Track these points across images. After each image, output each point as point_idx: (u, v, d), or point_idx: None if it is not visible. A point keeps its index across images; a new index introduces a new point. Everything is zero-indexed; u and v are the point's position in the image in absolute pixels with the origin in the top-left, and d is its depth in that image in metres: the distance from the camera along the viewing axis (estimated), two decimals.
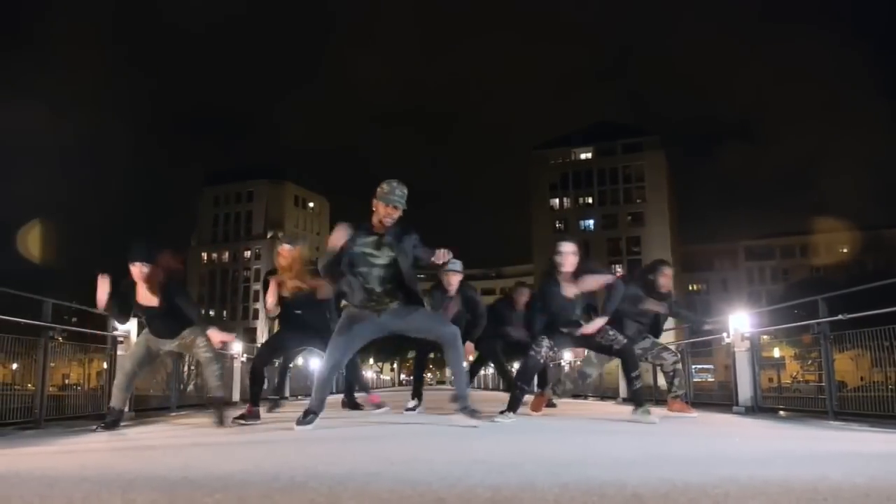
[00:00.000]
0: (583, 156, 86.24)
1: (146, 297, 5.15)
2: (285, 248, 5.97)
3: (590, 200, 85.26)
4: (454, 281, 6.93)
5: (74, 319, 7.71)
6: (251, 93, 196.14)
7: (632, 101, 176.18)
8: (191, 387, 9.60)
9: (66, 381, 7.88)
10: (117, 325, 6.60)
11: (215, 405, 5.30)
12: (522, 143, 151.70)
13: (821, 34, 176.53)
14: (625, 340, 5.56)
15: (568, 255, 5.57)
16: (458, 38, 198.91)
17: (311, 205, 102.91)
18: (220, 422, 5.17)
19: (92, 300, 5.16)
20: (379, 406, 6.97)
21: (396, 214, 4.55)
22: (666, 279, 6.34)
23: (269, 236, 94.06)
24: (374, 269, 4.61)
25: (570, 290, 5.57)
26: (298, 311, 5.91)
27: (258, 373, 6.08)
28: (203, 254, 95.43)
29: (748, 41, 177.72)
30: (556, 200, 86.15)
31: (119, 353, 6.63)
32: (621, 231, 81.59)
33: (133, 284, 5.15)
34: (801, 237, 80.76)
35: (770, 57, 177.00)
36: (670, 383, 6.34)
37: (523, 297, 7.75)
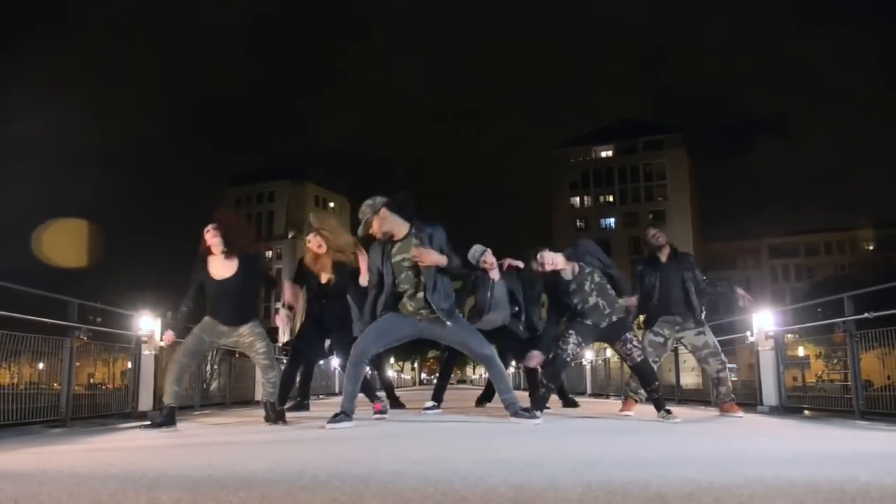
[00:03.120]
0: (604, 154, 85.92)
1: (218, 268, 5.06)
2: (313, 238, 5.97)
3: (611, 199, 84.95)
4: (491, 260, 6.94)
5: (99, 319, 7.79)
6: (275, 92, 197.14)
7: (663, 98, 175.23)
8: (213, 386, 9.68)
9: (92, 381, 7.97)
10: (140, 325, 6.67)
11: (270, 409, 5.23)
12: (547, 141, 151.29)
13: (855, 28, 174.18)
14: (642, 357, 5.46)
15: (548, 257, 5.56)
16: (492, 37, 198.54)
17: (332, 205, 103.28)
18: (277, 420, 5.15)
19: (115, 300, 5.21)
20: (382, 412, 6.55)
21: (373, 223, 4.77)
22: (656, 240, 6.38)
23: (290, 236, 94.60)
24: (403, 273, 4.76)
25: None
26: (323, 302, 5.96)
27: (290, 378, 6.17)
28: None
29: (783, 37, 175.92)
30: (577, 199, 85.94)
31: (143, 352, 6.70)
32: (643, 230, 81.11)
33: (204, 260, 5.08)
34: (825, 234, 79.88)
35: (805, 53, 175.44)
36: (715, 389, 6.17)
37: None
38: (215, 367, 9.96)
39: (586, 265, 5.53)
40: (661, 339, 6.18)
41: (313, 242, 5.96)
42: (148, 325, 6.78)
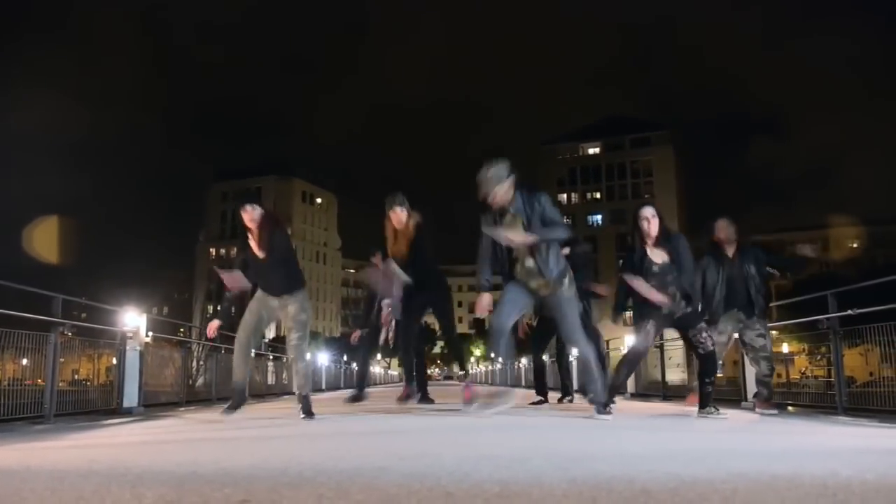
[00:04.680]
0: (591, 150, 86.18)
1: (259, 247, 5.19)
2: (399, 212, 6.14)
3: (598, 195, 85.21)
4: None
5: (84, 315, 7.75)
6: (262, 88, 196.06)
7: (654, 96, 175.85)
8: (199, 381, 9.65)
9: (76, 377, 7.92)
10: (125, 321, 6.64)
11: (301, 401, 5.29)
12: (535, 137, 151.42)
13: (847, 27, 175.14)
14: (713, 347, 5.21)
15: (650, 218, 5.24)
16: (484, 34, 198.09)
17: (319, 200, 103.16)
18: (307, 414, 5.20)
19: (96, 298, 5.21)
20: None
21: (501, 191, 4.70)
22: (723, 233, 5.93)
23: None
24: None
25: (658, 257, 5.18)
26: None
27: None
28: (211, 249, 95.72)
29: (775, 36, 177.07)
30: (564, 195, 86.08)
31: (128, 348, 6.66)
32: (630, 227, 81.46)
33: (246, 241, 5.22)
34: (810, 232, 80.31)
35: (796, 52, 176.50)
36: (757, 389, 6.09)
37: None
38: (201, 362, 9.92)
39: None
40: (724, 339, 5.99)
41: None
42: (133, 320, 6.75)
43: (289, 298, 5.24)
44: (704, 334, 5.18)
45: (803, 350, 7.08)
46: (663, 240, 5.19)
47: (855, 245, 72.82)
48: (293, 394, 7.36)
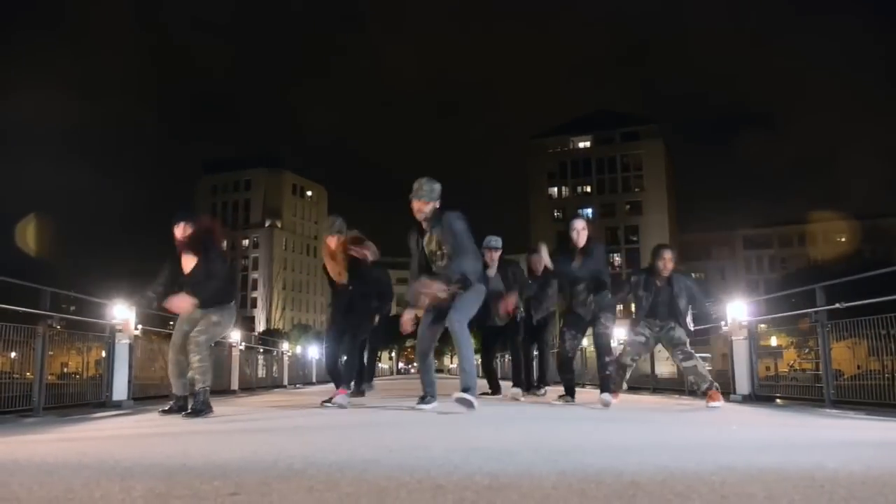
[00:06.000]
0: (581, 144, 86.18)
1: (187, 262, 5.13)
2: (332, 239, 6.09)
3: (588, 189, 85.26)
4: (494, 257, 7.25)
5: (73, 308, 7.70)
6: (253, 81, 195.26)
7: (647, 90, 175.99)
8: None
9: (65, 370, 7.88)
10: (114, 314, 6.61)
11: (196, 399, 5.01)
12: (526, 131, 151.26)
13: (842, 21, 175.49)
14: (610, 333, 5.94)
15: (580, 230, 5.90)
16: (474, 26, 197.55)
17: (310, 193, 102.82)
18: (196, 413, 4.90)
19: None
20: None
21: (427, 208, 4.92)
22: (665, 262, 6.30)
23: (266, 225, 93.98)
24: (437, 262, 4.99)
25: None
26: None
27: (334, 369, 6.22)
28: None
29: (769, 30, 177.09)
30: (555, 189, 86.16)
31: (118, 341, 6.64)
32: (619, 220, 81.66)
33: (178, 256, 5.15)
34: (799, 226, 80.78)
35: (791, 45, 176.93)
36: (693, 382, 6.26)
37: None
38: None
39: None
40: (641, 339, 6.42)
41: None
42: (122, 313, 6.72)
43: (211, 310, 5.09)
44: (603, 322, 5.87)
45: (791, 343, 7.11)
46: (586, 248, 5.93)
47: (843, 239, 73.18)
48: (283, 387, 7.34)
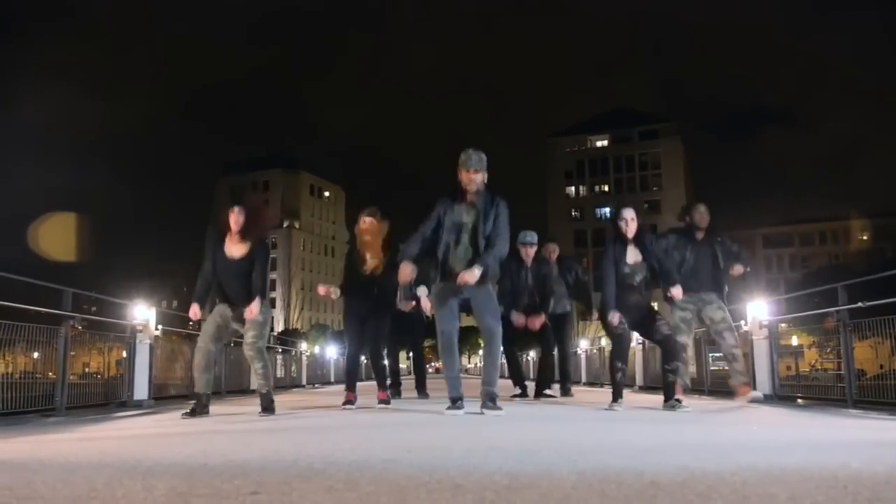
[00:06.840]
0: (599, 143, 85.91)
1: (233, 247, 5.13)
2: (367, 220, 5.91)
3: (606, 188, 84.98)
4: (530, 253, 7.28)
5: (94, 308, 7.78)
6: (271, 81, 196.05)
7: (667, 87, 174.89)
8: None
9: (87, 370, 7.96)
10: (135, 315, 6.67)
11: (263, 400, 5.19)
12: (543, 129, 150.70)
13: (867, 19, 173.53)
14: (668, 331, 5.43)
15: (629, 220, 5.49)
16: (492, 27, 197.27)
17: (327, 194, 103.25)
18: (267, 411, 5.09)
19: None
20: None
21: (479, 177, 4.77)
22: (701, 216, 6.12)
23: (285, 225, 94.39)
24: (462, 236, 4.82)
25: (631, 257, 5.43)
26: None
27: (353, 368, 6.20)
28: None
29: (792, 27, 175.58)
30: (572, 188, 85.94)
31: (138, 341, 6.69)
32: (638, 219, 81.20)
33: (222, 235, 5.13)
34: (819, 224, 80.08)
35: (814, 43, 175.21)
36: (729, 365, 6.20)
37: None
38: None
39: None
40: (688, 315, 6.18)
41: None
42: (143, 314, 6.77)
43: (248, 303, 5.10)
44: (660, 318, 5.42)
45: (813, 343, 7.03)
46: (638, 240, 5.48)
47: (865, 237, 72.39)
48: (302, 386, 7.37)
